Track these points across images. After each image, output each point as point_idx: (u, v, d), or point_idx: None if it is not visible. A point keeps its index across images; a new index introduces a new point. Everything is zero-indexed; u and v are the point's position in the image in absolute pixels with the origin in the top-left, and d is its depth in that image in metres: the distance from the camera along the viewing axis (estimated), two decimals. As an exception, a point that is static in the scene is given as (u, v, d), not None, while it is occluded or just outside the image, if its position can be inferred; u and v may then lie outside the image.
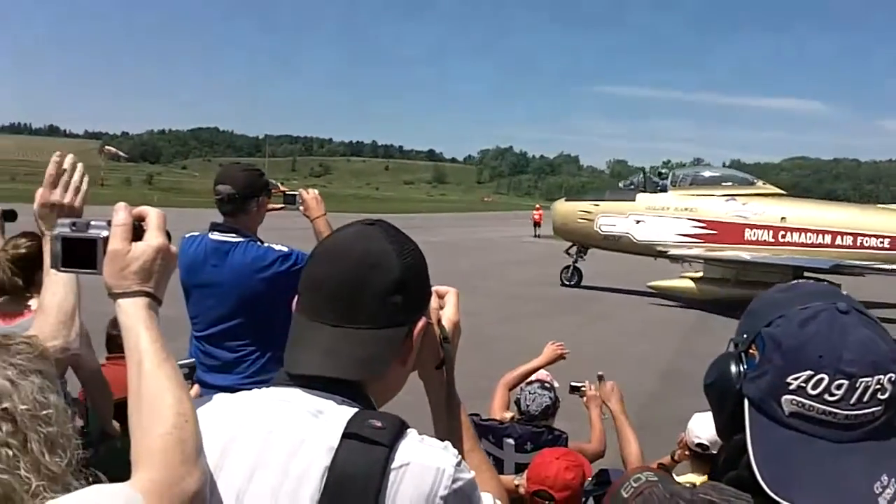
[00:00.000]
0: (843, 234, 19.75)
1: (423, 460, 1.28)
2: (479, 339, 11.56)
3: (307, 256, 1.56)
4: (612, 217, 21.58)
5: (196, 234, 4.19)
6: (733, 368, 1.29)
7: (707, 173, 22.85)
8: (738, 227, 20.46)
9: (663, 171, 24.71)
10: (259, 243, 4.02)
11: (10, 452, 1.40)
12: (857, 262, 18.81)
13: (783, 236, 20.20)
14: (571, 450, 3.75)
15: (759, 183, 22.15)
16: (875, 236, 19.49)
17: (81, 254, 1.42)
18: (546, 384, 4.39)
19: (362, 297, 1.39)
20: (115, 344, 4.41)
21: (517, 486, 3.51)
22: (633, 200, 21.57)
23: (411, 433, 1.32)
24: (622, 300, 20.28)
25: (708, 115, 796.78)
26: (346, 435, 1.29)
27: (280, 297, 3.71)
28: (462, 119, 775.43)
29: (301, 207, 4.32)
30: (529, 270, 25.54)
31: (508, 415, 4.39)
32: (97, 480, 1.36)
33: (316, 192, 4.35)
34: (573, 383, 4.31)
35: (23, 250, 3.51)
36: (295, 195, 4.41)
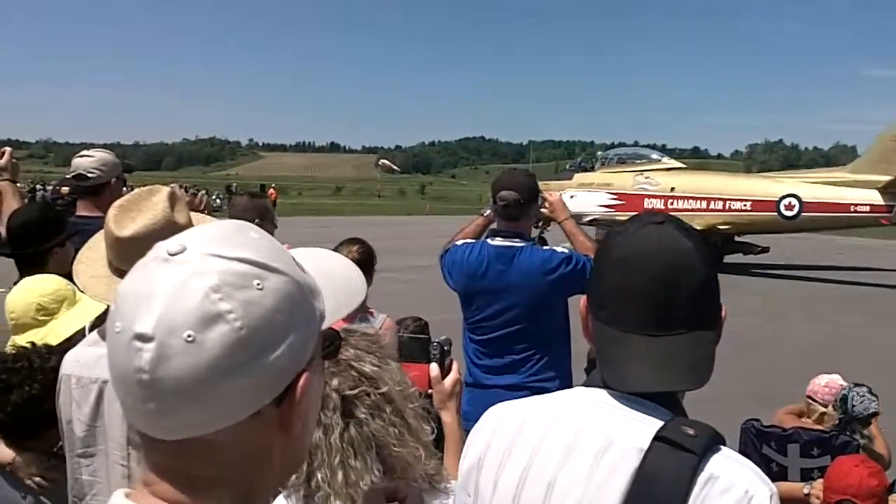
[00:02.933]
0: (715, 199, 23.36)
1: (732, 478, 1.25)
2: (750, 341, 11.13)
3: (593, 261, 1.53)
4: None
5: (469, 241, 4.28)
6: None
7: (623, 153, 27.35)
8: (639, 197, 24.39)
9: (599, 153, 29.10)
10: (541, 246, 4.11)
11: (397, 430, 1.65)
12: (725, 225, 22.58)
13: (671, 203, 23.60)
14: (866, 456, 3.53)
15: (664, 160, 26.55)
16: (740, 200, 23.07)
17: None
18: (872, 391, 4.31)
19: (677, 302, 1.36)
20: None
21: (807, 494, 3.41)
22: (571, 179, 26.25)
23: (725, 448, 1.30)
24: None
25: None
26: (657, 438, 1.27)
27: (561, 299, 3.81)
28: (727, 113, 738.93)
29: (546, 209, 4.32)
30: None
31: (810, 420, 4.32)
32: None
33: (559, 194, 4.37)
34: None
35: (356, 255, 3.95)
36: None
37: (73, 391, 2.28)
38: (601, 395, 1.38)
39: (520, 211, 4.07)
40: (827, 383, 4.35)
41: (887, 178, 20.93)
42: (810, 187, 22.73)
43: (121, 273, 2.22)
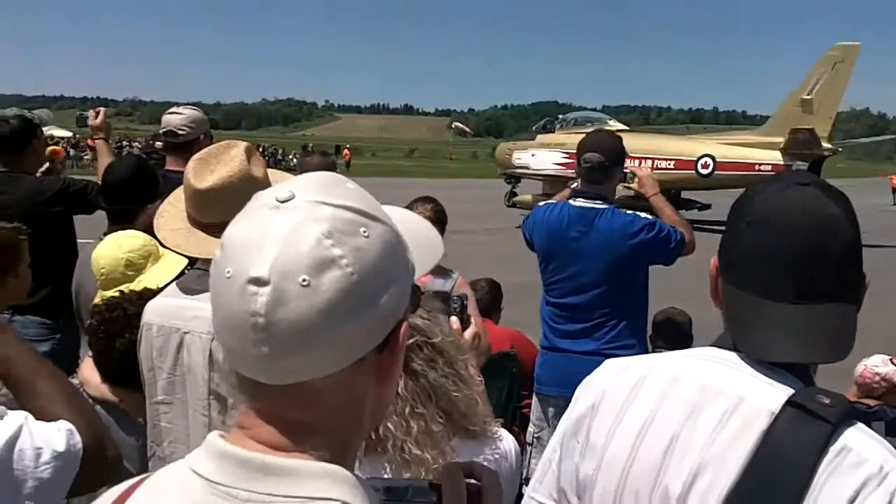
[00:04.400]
0: (644, 158, 24.26)
1: (867, 452, 1.20)
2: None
3: (730, 219, 1.42)
4: (521, 152, 29.05)
5: (551, 201, 4.29)
6: None
7: (580, 116, 29.72)
8: None
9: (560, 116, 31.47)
10: (625, 210, 4.02)
11: (451, 381, 1.72)
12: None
13: None
14: None
15: (611, 122, 28.49)
16: (665, 159, 25.00)
17: None
18: None
19: (822, 269, 1.29)
20: None
21: None
22: (534, 140, 28.88)
23: (861, 423, 1.25)
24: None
25: None
26: (789, 403, 1.23)
27: (642, 265, 3.77)
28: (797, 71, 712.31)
29: (634, 184, 4.25)
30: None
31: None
32: None
33: (649, 169, 4.31)
34: None
35: (429, 213, 3.92)
36: (626, 173, 4.35)
37: (153, 340, 2.34)
38: (730, 355, 1.34)
39: (604, 173, 4.01)
40: (876, 366, 4.27)
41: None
42: (724, 148, 24.93)
43: (200, 225, 2.26)
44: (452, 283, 4.01)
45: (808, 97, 23.66)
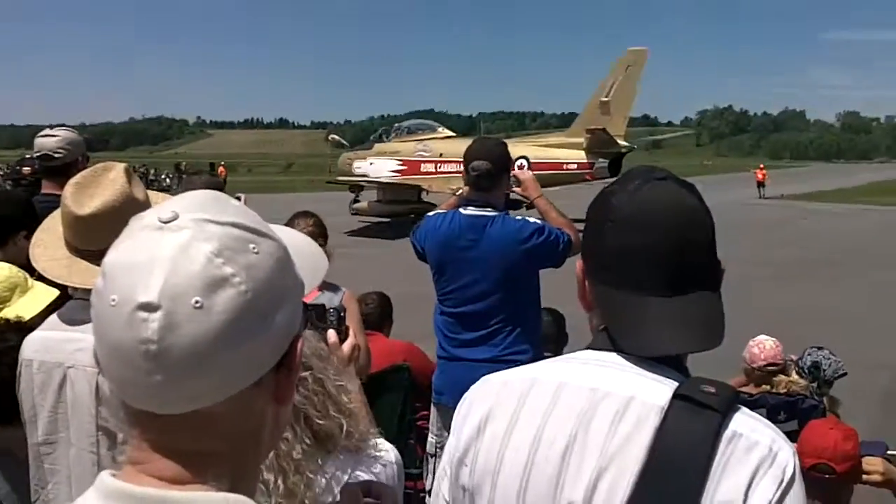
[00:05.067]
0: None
1: (756, 436, 1.24)
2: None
3: (590, 221, 1.44)
4: (360, 161, 30.22)
5: (441, 211, 4.28)
6: None
7: (412, 124, 31.45)
8: (417, 162, 28.07)
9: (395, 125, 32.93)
10: (514, 217, 4.04)
11: (318, 399, 1.70)
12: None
13: (440, 167, 27.03)
14: (837, 419, 3.58)
15: (440, 129, 30.53)
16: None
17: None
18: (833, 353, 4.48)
19: (690, 261, 1.33)
20: None
21: None
22: (371, 149, 30.45)
23: (744, 407, 1.29)
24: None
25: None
26: (677, 396, 1.25)
27: (533, 270, 3.81)
28: (677, 80, 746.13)
29: (517, 188, 4.31)
30: (759, 234, 24.18)
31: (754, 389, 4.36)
32: None
33: (531, 172, 4.38)
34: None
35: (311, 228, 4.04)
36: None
37: (34, 376, 2.21)
38: (610, 356, 1.34)
39: (492, 181, 4.03)
40: (761, 344, 4.46)
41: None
42: (536, 149, 26.19)
43: (81, 253, 2.16)
44: (340, 297, 3.98)
45: (606, 99, 25.36)
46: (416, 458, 4.52)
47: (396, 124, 32.50)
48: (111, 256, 0.87)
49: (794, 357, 4.58)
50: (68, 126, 4.49)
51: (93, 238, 2.09)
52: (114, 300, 0.83)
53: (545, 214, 4.24)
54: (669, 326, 1.30)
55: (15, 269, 2.93)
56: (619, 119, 25.48)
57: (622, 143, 25.21)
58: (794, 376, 4.32)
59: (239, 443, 0.91)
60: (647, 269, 1.31)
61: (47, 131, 4.37)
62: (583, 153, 25.18)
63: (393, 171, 28.45)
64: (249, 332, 0.85)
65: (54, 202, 3.06)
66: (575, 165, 25.24)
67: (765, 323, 6.28)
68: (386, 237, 21.53)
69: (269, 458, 1.54)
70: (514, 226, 3.98)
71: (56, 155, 4.21)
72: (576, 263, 1.48)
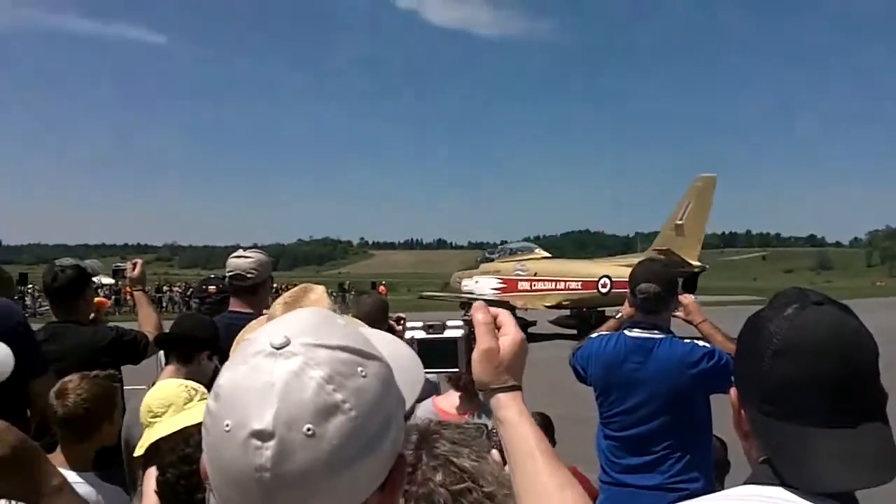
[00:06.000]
0: (559, 280, 29.54)
1: None
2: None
3: (746, 350, 1.40)
4: (467, 280, 34.01)
5: (605, 332, 4.23)
6: None
7: (515, 247, 34.93)
8: (514, 280, 31.24)
9: (499, 247, 36.44)
10: (682, 339, 3.98)
11: None
12: (566, 301, 29.07)
13: (534, 284, 30.40)
14: None
15: (537, 251, 33.77)
16: (574, 280, 28.96)
17: (440, 353, 1.47)
18: None
19: (860, 389, 1.28)
20: None
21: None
22: (478, 268, 34.03)
23: None
24: None
25: None
26: None
27: (704, 395, 3.65)
28: (845, 199, 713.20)
29: (680, 312, 4.18)
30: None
31: None
32: None
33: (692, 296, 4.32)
34: None
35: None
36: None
37: None
38: (777, 491, 1.28)
39: (659, 303, 3.99)
40: None
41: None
42: (618, 268, 27.26)
43: None
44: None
45: (680, 222, 26.74)
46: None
47: (501, 246, 36.24)
48: (225, 379, 0.89)
49: None
50: (241, 247, 4.75)
51: None
52: (228, 425, 0.85)
53: (711, 339, 4.10)
54: (839, 460, 1.24)
55: (184, 387, 3.00)
56: (694, 240, 26.46)
57: (695, 262, 25.78)
58: None
59: None
60: (815, 400, 1.27)
61: (241, 252, 4.62)
62: None
63: (494, 289, 31.30)
64: (359, 457, 0.86)
65: (243, 319, 3.22)
66: None
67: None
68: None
69: None
70: (682, 349, 3.91)
71: (248, 275, 4.45)
72: (730, 391, 1.44)
